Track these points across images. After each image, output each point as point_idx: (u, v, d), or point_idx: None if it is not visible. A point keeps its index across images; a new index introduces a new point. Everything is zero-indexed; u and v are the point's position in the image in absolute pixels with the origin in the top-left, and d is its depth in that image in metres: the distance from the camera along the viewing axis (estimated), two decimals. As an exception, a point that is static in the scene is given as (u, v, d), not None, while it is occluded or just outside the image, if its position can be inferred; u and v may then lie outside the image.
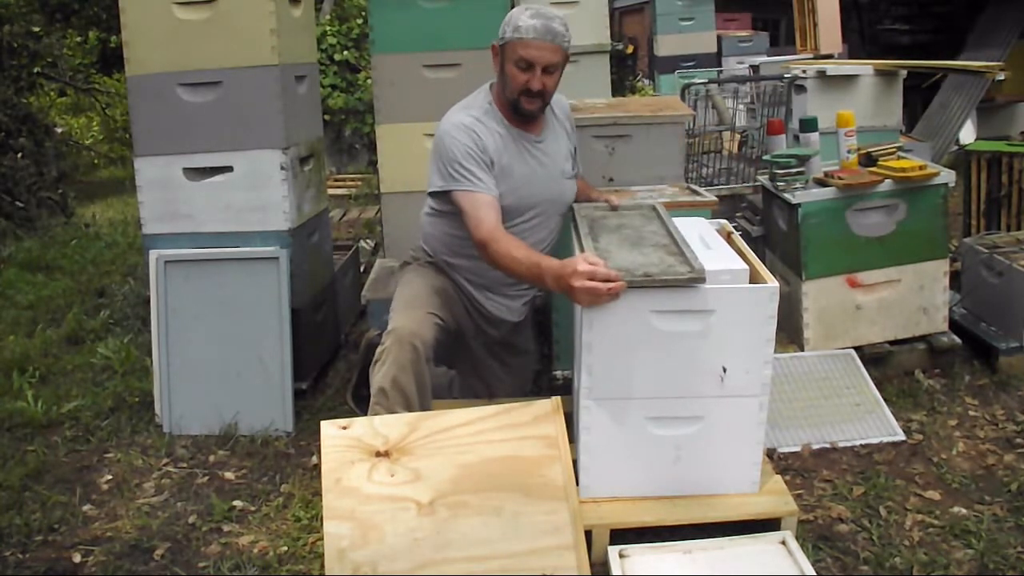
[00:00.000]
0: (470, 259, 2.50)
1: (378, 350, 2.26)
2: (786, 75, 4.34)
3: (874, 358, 3.09)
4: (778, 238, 3.27)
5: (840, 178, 3.03)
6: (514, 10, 2.42)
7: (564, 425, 2.07)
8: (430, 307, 2.38)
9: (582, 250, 2.18)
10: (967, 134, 6.46)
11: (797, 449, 2.66)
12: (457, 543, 1.91)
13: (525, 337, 2.78)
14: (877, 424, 2.75)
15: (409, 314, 2.32)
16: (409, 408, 2.20)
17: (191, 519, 2.44)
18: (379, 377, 2.22)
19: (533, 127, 2.51)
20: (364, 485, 1.95)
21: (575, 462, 2.32)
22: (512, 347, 2.73)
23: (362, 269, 4.16)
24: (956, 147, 6.24)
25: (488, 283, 2.57)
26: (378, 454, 1.99)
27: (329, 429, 2.03)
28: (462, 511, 1.95)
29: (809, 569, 1.98)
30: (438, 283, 2.51)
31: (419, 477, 1.97)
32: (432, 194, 2.49)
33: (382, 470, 1.98)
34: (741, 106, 5.21)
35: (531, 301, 2.73)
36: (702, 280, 2.04)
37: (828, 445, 2.68)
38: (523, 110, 2.42)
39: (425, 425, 2.03)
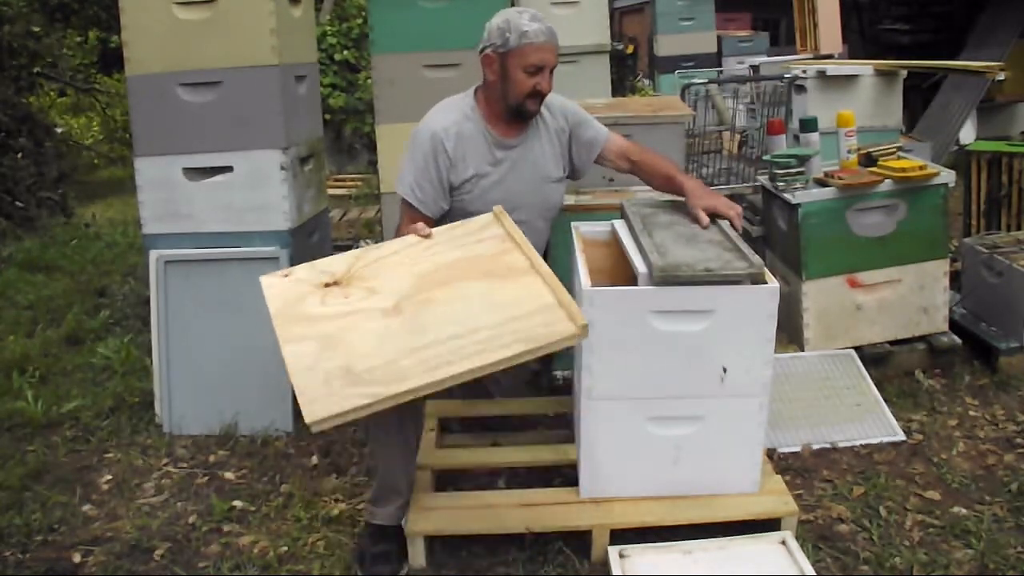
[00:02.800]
0: None
1: None
2: (786, 75, 4.34)
3: (874, 358, 3.09)
4: (778, 238, 3.27)
5: (840, 178, 3.03)
6: (507, 16, 2.37)
7: (513, 224, 2.07)
8: None
9: (639, 246, 2.19)
10: (967, 134, 6.46)
11: (797, 449, 2.66)
12: (433, 328, 1.82)
13: None
14: (877, 424, 2.75)
15: None
16: (401, 409, 2.19)
17: (191, 519, 2.44)
18: None
19: (511, 133, 2.48)
20: (318, 310, 1.87)
21: (575, 462, 2.33)
22: None
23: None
24: (956, 147, 6.24)
25: None
26: (327, 285, 1.92)
27: (268, 279, 1.98)
28: (430, 305, 1.87)
29: (809, 569, 1.98)
30: None
31: (376, 291, 1.89)
32: None
33: (335, 294, 1.90)
34: (741, 106, 5.21)
35: None
36: (761, 277, 2.05)
37: (828, 445, 2.68)
38: (528, 112, 2.42)
39: (369, 255, 1.98)
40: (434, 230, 2.19)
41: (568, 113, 2.57)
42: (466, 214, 2.36)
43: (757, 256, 2.11)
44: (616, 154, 2.58)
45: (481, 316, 1.86)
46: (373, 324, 1.86)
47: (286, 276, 2.02)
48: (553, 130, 2.55)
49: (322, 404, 1.70)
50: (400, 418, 2.19)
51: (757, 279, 2.07)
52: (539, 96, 2.40)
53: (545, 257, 2.76)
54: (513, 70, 2.35)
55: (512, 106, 2.41)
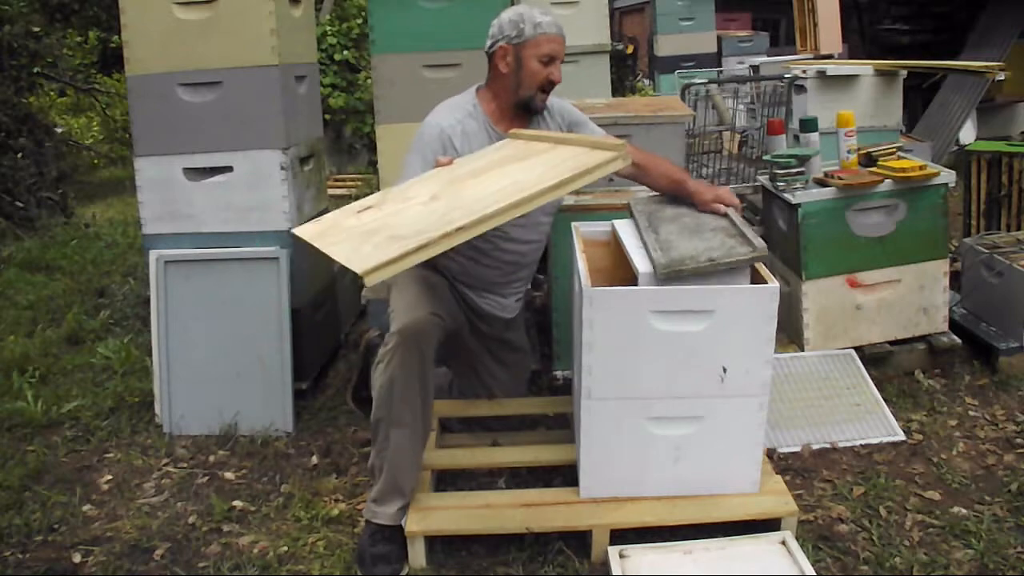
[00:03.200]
0: (462, 260, 2.51)
1: (381, 351, 2.25)
2: (786, 75, 4.34)
3: (874, 358, 3.09)
4: (778, 238, 3.27)
5: (840, 178, 3.03)
6: (518, 10, 2.43)
7: (531, 132, 2.23)
8: (432, 307, 2.37)
9: (643, 243, 2.23)
10: (967, 134, 6.46)
11: (797, 449, 2.66)
12: (478, 192, 1.88)
13: (519, 333, 2.78)
14: (877, 424, 2.75)
15: (413, 314, 2.31)
16: (411, 409, 2.20)
17: (191, 519, 2.44)
18: (384, 378, 2.21)
19: (517, 128, 2.50)
20: (356, 221, 1.92)
21: (575, 462, 2.33)
22: (508, 344, 2.73)
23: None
24: (956, 147, 6.24)
25: (479, 283, 2.57)
26: (359, 212, 1.98)
27: (300, 228, 2.04)
28: (469, 183, 1.94)
29: (809, 569, 1.98)
30: (435, 280, 2.51)
31: (412, 197, 1.95)
32: None
33: (371, 213, 1.95)
34: (741, 106, 5.21)
35: (523, 297, 2.73)
36: (765, 257, 2.09)
37: (828, 445, 2.68)
38: (537, 105, 2.47)
39: (398, 186, 2.08)
40: (455, 159, 2.28)
41: (566, 114, 2.59)
42: None
43: (761, 240, 2.12)
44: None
45: (520, 175, 1.93)
46: (414, 210, 1.91)
47: (318, 221, 2.09)
48: (553, 129, 2.56)
49: (373, 256, 1.68)
50: (412, 419, 2.20)
51: (761, 260, 2.10)
52: (549, 87, 2.45)
53: (545, 255, 2.76)
54: (528, 60, 2.40)
55: (524, 98, 2.44)
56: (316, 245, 1.91)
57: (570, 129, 2.58)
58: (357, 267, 1.66)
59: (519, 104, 2.46)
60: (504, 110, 2.47)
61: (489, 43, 2.44)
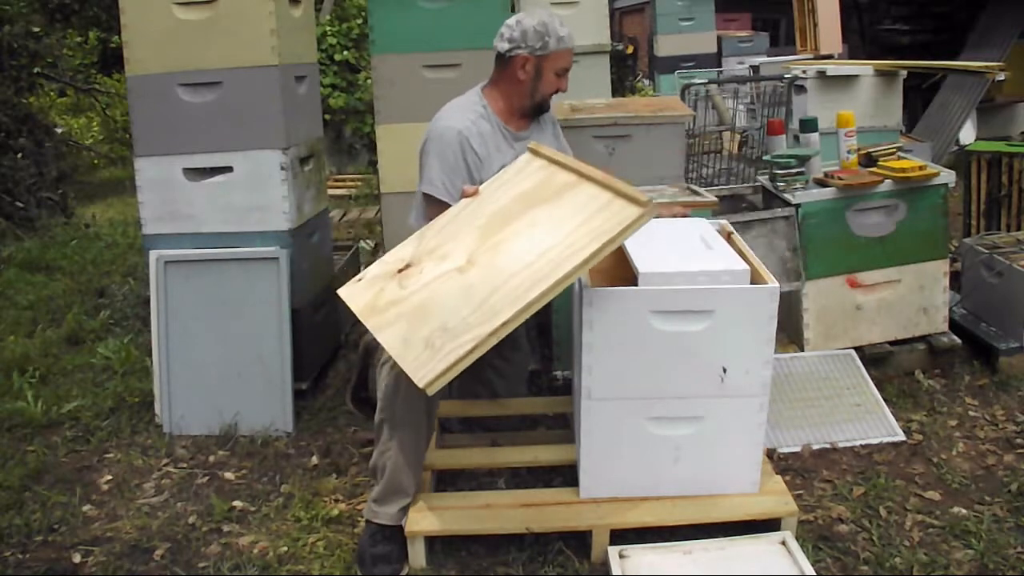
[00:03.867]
0: None
1: (385, 353, 2.25)
2: (786, 75, 4.34)
3: (874, 358, 3.09)
4: (778, 238, 3.27)
5: (840, 178, 3.04)
6: (541, 19, 2.43)
7: (550, 150, 2.23)
8: None
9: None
10: (967, 134, 6.46)
11: (797, 449, 2.66)
12: (508, 264, 1.94)
13: (519, 332, 2.77)
14: (877, 424, 2.76)
15: None
16: (415, 411, 2.20)
17: (191, 519, 2.44)
18: (389, 379, 2.21)
19: (523, 125, 2.55)
20: (399, 294, 1.96)
21: (575, 462, 2.33)
22: (510, 339, 2.73)
23: (361, 269, 4.16)
24: (956, 147, 6.24)
25: None
26: (400, 271, 2.00)
27: (345, 291, 2.07)
28: (500, 247, 1.98)
29: (809, 569, 1.98)
30: None
31: (447, 256, 1.98)
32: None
33: (411, 275, 1.99)
34: (741, 106, 5.21)
35: None
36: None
37: (828, 445, 2.68)
38: (546, 107, 2.54)
39: (431, 230, 2.07)
40: (480, 187, 2.30)
41: (554, 118, 2.70)
42: None
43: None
44: None
45: (548, 237, 1.96)
46: (453, 283, 1.96)
47: (360, 280, 2.12)
48: (548, 126, 2.63)
49: (430, 367, 1.80)
50: (416, 420, 2.20)
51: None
52: (554, 96, 2.53)
53: None
54: (547, 72, 2.45)
55: (537, 103, 2.50)
56: (367, 325, 1.99)
57: (555, 125, 2.67)
58: (418, 381, 1.80)
59: (532, 108, 2.51)
60: (514, 110, 2.51)
61: (507, 47, 2.43)
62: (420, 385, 1.79)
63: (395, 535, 2.17)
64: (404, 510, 2.20)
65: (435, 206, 2.39)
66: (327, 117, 6.93)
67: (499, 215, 2.12)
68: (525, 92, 2.47)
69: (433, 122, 2.46)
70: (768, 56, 7.23)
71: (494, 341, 1.82)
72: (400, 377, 2.18)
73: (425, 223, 2.37)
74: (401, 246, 2.19)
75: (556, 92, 2.51)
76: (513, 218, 2.10)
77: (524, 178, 2.25)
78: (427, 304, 1.95)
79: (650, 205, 1.91)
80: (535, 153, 2.33)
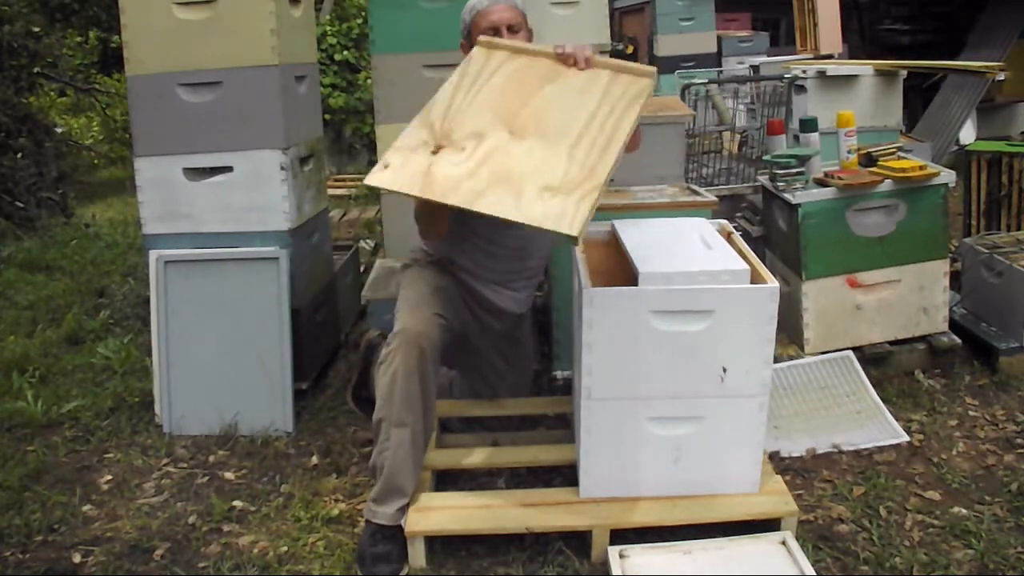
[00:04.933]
0: (472, 252, 2.50)
1: (384, 351, 2.25)
2: (786, 75, 4.33)
3: (874, 358, 3.09)
4: (778, 238, 3.27)
5: (840, 178, 3.03)
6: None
7: (501, 41, 2.23)
8: (436, 308, 2.37)
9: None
10: (967, 134, 6.46)
11: (800, 453, 2.66)
12: (565, 127, 1.99)
13: (526, 330, 2.78)
14: (880, 429, 2.75)
15: (416, 315, 2.31)
16: (413, 409, 2.20)
17: (191, 519, 2.44)
18: (386, 378, 2.21)
19: None
20: (456, 169, 1.90)
21: (575, 462, 2.33)
22: (515, 340, 2.73)
23: (362, 269, 4.17)
24: (956, 147, 6.24)
25: (491, 275, 2.57)
26: (434, 152, 1.93)
27: (380, 178, 1.91)
28: (540, 118, 2.01)
29: (809, 569, 1.98)
30: (441, 283, 2.51)
31: (482, 134, 1.96)
32: None
33: (450, 153, 1.93)
34: (741, 106, 5.20)
35: (534, 292, 2.73)
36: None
37: (832, 450, 2.67)
38: None
39: (430, 115, 2.01)
40: (444, 90, 2.16)
41: None
42: None
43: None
44: None
45: (580, 108, 2.03)
46: (517, 151, 1.93)
47: (386, 168, 1.95)
48: None
49: (570, 217, 1.78)
50: (414, 418, 2.20)
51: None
52: None
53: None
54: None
55: None
56: (453, 201, 1.86)
57: None
58: (568, 230, 1.74)
59: None
60: None
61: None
62: (574, 233, 1.74)
63: (395, 535, 2.17)
64: (403, 510, 2.20)
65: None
66: (327, 117, 6.93)
67: (504, 99, 2.08)
68: None
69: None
70: (768, 56, 7.22)
71: (605, 189, 1.84)
72: (396, 376, 2.19)
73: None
74: (409, 133, 2.03)
75: None
76: (525, 99, 2.08)
77: (496, 72, 2.17)
78: (505, 172, 1.89)
79: (653, 75, 2.12)
80: (491, 46, 2.25)
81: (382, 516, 2.18)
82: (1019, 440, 2.70)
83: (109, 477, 2.69)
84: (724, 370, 2.13)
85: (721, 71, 7.88)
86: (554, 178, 1.85)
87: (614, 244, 2.47)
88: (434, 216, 2.35)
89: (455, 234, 2.49)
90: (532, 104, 2.07)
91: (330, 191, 5.44)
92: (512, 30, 2.42)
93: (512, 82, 2.15)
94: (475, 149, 1.95)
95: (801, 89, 4.16)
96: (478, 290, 2.57)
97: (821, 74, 4.05)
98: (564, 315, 2.88)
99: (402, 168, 1.93)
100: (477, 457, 2.52)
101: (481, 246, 2.49)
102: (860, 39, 8.63)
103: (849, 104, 3.78)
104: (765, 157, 3.39)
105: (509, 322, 2.67)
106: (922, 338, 3.17)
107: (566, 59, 2.20)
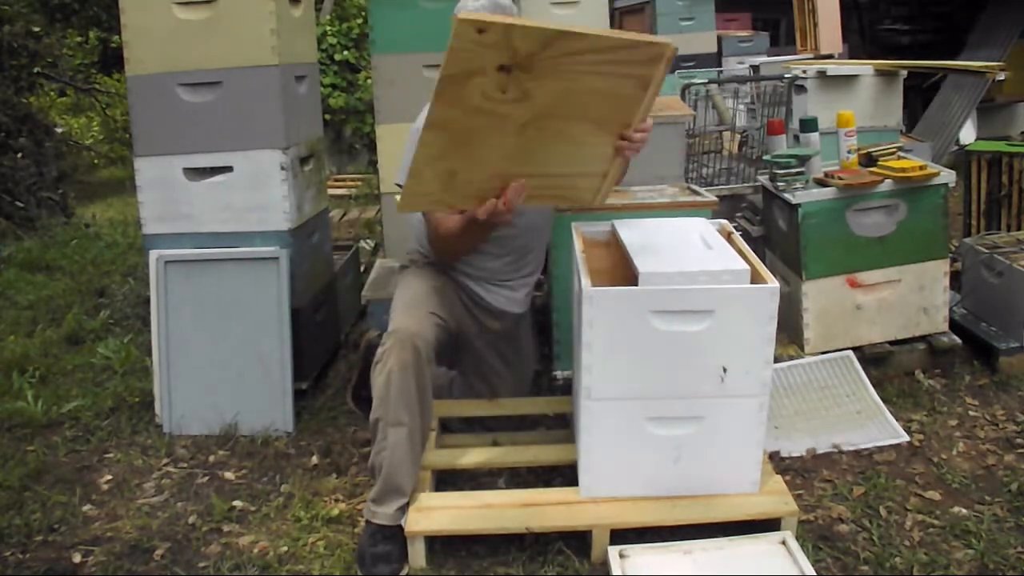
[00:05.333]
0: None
1: (379, 350, 2.25)
2: (786, 75, 4.33)
3: (874, 358, 3.09)
4: (778, 238, 3.27)
5: (840, 178, 3.03)
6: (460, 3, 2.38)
7: (664, 71, 2.07)
8: (431, 307, 2.38)
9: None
10: (967, 134, 6.46)
11: (800, 453, 2.66)
12: (531, 162, 2.02)
13: (526, 331, 2.78)
14: (880, 429, 2.75)
15: (410, 314, 2.32)
16: (409, 408, 2.20)
17: (191, 519, 2.44)
18: (381, 378, 2.21)
19: None
20: (476, 99, 1.93)
21: (575, 462, 2.33)
22: (514, 341, 2.73)
23: (362, 269, 4.17)
24: (956, 147, 6.24)
25: (488, 275, 2.57)
26: (501, 68, 1.92)
27: (465, 29, 1.86)
28: (548, 134, 2.01)
29: (809, 569, 1.98)
30: (438, 283, 2.51)
31: (527, 96, 1.95)
32: None
33: (496, 86, 1.93)
34: (741, 106, 5.20)
35: (532, 292, 2.72)
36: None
37: (833, 450, 2.67)
38: None
39: (558, 44, 1.94)
40: (616, 41, 2.05)
41: None
42: None
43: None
44: None
45: (560, 165, 2.09)
46: (501, 136, 1.97)
47: (481, 32, 1.89)
48: None
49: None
50: (411, 418, 2.20)
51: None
52: None
53: (545, 259, 2.75)
54: None
55: None
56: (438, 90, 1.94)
57: None
58: (596, 203, 2.13)
59: None
60: None
61: None
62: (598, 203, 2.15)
63: (395, 535, 2.17)
64: (402, 509, 2.20)
65: None
66: (327, 117, 6.93)
67: (580, 98, 2.06)
68: None
69: (417, 121, 2.44)
70: (768, 56, 7.22)
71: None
72: (391, 376, 2.19)
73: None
74: (533, 30, 1.95)
75: None
76: (577, 117, 2.07)
77: (640, 70, 2.05)
78: (470, 139, 1.97)
79: (671, 48, 2.00)
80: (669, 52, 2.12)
81: (382, 516, 2.18)
82: (1019, 440, 2.70)
83: (109, 477, 2.69)
84: (724, 370, 2.13)
85: (721, 71, 7.87)
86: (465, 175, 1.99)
87: (614, 244, 2.48)
88: (474, 237, 2.36)
89: None
90: (570, 122, 2.04)
91: (330, 191, 5.45)
92: None
93: (609, 95, 2.07)
94: (499, 106, 1.96)
95: (801, 89, 4.16)
96: (475, 290, 2.57)
97: (821, 74, 4.05)
98: (564, 315, 2.88)
99: (477, 52, 1.92)
100: (477, 457, 2.52)
101: (495, 246, 2.49)
102: (860, 39, 8.63)
103: (849, 104, 3.78)
104: (765, 157, 3.39)
105: (507, 322, 2.67)
106: (922, 338, 3.17)
107: (620, 148, 2.10)
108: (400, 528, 2.17)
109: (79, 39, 10.12)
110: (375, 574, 2.13)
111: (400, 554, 2.16)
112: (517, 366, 2.77)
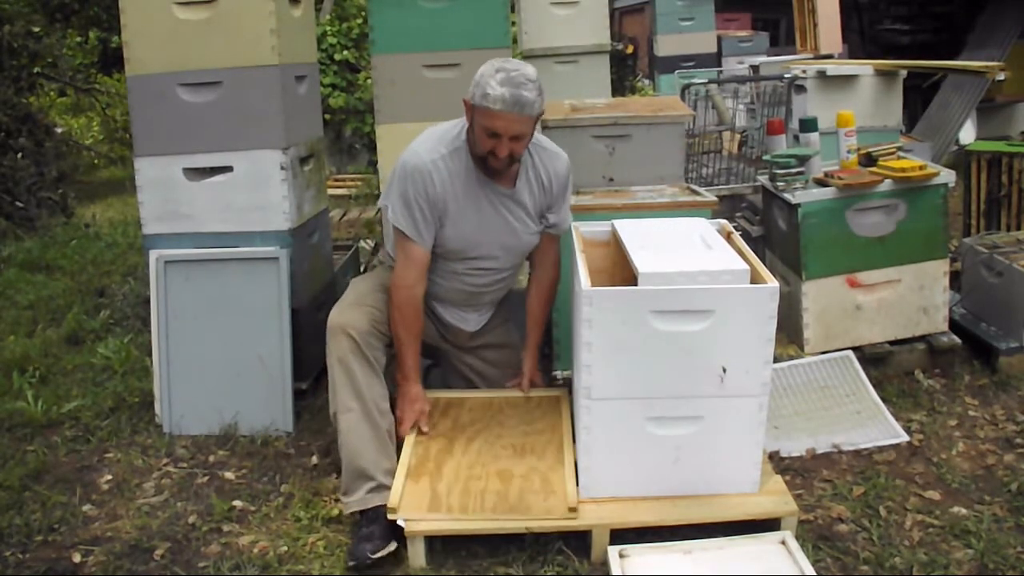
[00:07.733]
0: (442, 275, 2.54)
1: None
2: (786, 75, 4.34)
3: (874, 358, 3.09)
4: (778, 238, 3.27)
5: (840, 178, 3.04)
6: (489, 67, 2.26)
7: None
8: (368, 303, 2.45)
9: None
10: (967, 134, 6.46)
11: (800, 453, 2.66)
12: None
13: (498, 333, 2.74)
14: (879, 429, 2.75)
15: (341, 311, 2.42)
16: (356, 393, 2.30)
17: (191, 519, 2.44)
18: (331, 373, 2.36)
19: (503, 179, 2.43)
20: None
21: (575, 462, 2.32)
22: (486, 345, 2.73)
23: (362, 269, 4.17)
24: (956, 147, 6.24)
25: (442, 296, 2.59)
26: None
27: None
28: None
29: (809, 569, 1.98)
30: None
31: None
32: None
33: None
34: (741, 106, 5.21)
35: (492, 308, 2.70)
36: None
37: (832, 450, 2.67)
38: (491, 169, 2.36)
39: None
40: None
41: (553, 176, 2.49)
42: (440, 244, 2.43)
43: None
44: (543, 249, 2.60)
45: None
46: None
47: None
48: (537, 187, 2.48)
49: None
50: (361, 403, 2.29)
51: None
52: (508, 159, 2.31)
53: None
54: (476, 124, 2.29)
55: (477, 156, 2.36)
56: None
57: (544, 188, 2.47)
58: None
59: (477, 160, 2.36)
60: (476, 157, 2.38)
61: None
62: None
63: (377, 517, 2.19)
64: (375, 490, 2.23)
65: (397, 232, 2.43)
66: (327, 117, 6.93)
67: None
68: (472, 139, 2.34)
69: (410, 145, 2.41)
70: (768, 56, 7.22)
71: None
72: (332, 367, 2.34)
73: (395, 246, 2.46)
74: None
75: (494, 156, 2.27)
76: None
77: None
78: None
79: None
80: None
81: (354, 504, 2.23)
82: (1019, 440, 2.70)
83: (109, 477, 2.69)
84: (724, 370, 2.13)
85: (721, 71, 7.88)
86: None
87: (614, 244, 2.48)
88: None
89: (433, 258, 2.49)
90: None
91: (330, 191, 5.43)
92: (515, 139, 2.27)
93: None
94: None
95: (801, 89, 4.16)
96: (429, 303, 2.58)
97: (821, 74, 4.06)
98: (564, 315, 2.88)
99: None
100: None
101: (452, 278, 2.53)
102: (860, 39, 8.63)
103: (849, 104, 3.78)
104: (765, 157, 3.39)
105: (463, 337, 2.68)
106: (922, 338, 3.17)
107: None
108: (380, 509, 2.19)
109: (79, 39, 10.12)
110: (358, 554, 2.13)
111: (384, 533, 2.16)
112: (498, 363, 2.74)
